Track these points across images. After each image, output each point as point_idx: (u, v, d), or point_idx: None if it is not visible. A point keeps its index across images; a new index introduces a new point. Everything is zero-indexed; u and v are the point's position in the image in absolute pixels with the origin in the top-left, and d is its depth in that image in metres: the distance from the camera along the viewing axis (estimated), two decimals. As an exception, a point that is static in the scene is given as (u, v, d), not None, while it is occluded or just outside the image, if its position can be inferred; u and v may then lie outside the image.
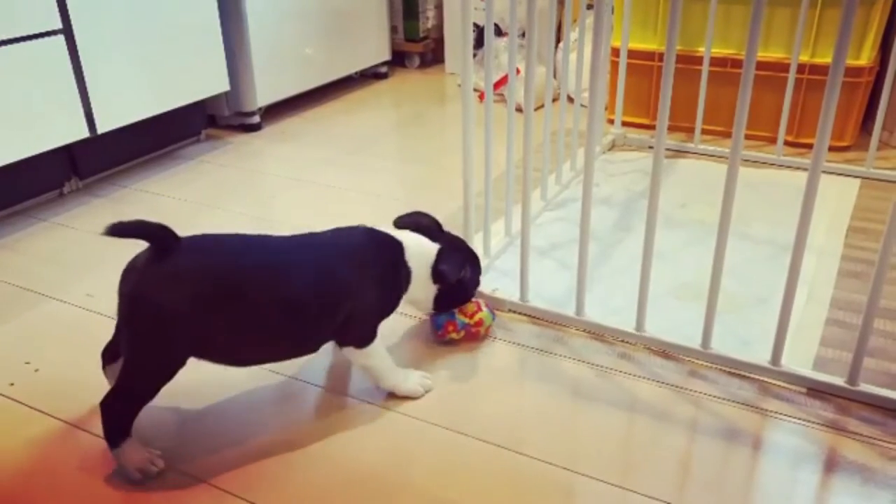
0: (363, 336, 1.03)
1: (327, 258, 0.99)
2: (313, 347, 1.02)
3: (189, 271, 0.89)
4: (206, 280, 0.89)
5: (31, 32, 1.50)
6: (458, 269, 1.10)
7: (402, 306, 1.11)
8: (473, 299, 1.20)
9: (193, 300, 0.88)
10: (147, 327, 0.89)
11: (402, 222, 1.15)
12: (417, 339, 1.21)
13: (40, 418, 1.05)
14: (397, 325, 1.24)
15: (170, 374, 0.92)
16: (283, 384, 1.11)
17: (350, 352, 1.04)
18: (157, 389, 0.93)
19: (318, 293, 0.96)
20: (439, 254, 1.10)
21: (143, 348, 0.90)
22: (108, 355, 1.04)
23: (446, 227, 1.59)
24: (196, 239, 0.93)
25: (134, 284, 0.90)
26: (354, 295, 0.99)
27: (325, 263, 0.98)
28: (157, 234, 0.88)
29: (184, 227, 1.49)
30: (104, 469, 0.95)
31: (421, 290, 1.10)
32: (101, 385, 1.11)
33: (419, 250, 1.09)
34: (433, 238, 1.12)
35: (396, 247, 1.07)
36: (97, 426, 1.02)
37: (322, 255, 1.00)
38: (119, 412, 0.92)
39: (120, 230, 0.85)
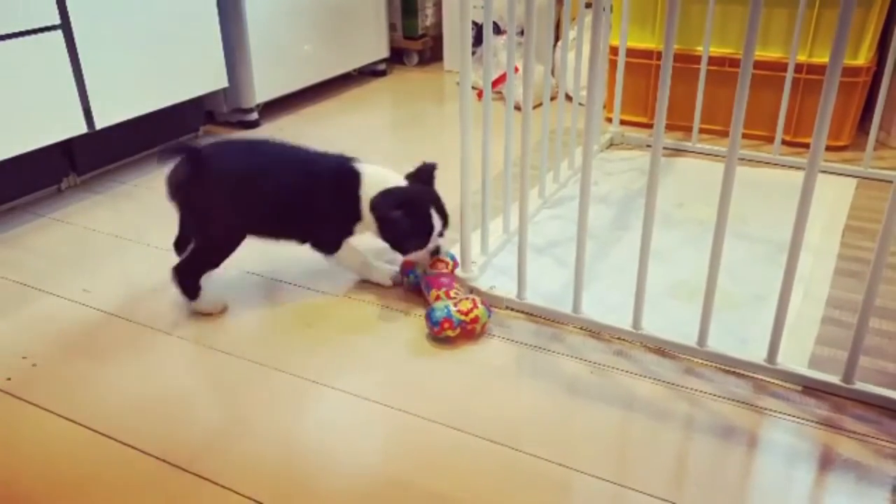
0: (326, 245, 1.32)
1: (302, 174, 1.25)
2: (297, 237, 1.31)
3: (220, 171, 1.21)
4: (231, 174, 1.22)
5: (29, 28, 1.50)
6: (384, 203, 1.23)
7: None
8: (470, 296, 1.20)
9: (228, 187, 1.21)
10: (204, 208, 1.22)
11: (413, 174, 1.32)
12: (414, 336, 1.21)
13: (37, 413, 1.05)
14: (395, 323, 1.25)
15: (231, 248, 1.26)
16: (281, 381, 1.11)
17: (326, 258, 1.33)
18: (221, 261, 1.26)
19: (292, 195, 1.24)
20: (385, 191, 1.24)
21: (207, 225, 1.24)
22: (178, 249, 1.34)
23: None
24: (216, 148, 1.25)
25: (192, 182, 1.21)
26: (310, 207, 1.25)
27: (298, 178, 1.25)
28: (190, 152, 1.20)
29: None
30: (100, 465, 0.96)
31: (369, 220, 1.26)
32: (98, 380, 1.11)
33: (376, 185, 1.25)
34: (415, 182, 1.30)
35: (354, 177, 1.27)
36: (94, 422, 1.03)
37: (300, 170, 1.26)
38: (190, 278, 1.25)
39: (164, 155, 1.18)
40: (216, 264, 1.26)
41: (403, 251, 1.27)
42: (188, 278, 1.25)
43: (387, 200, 1.22)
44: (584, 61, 1.70)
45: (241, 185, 1.21)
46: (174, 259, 1.28)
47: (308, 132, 2.14)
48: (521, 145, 1.23)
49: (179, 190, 1.21)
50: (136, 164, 1.93)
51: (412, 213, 1.23)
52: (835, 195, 1.68)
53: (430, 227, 1.25)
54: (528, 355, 1.16)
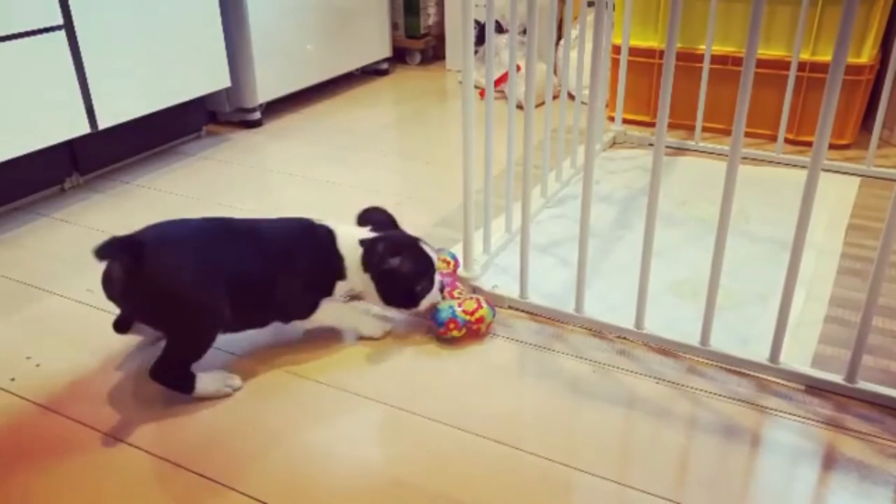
0: (301, 310, 1.15)
1: (267, 244, 1.11)
2: (265, 319, 1.16)
3: (175, 266, 1.03)
4: (188, 267, 1.03)
5: (32, 28, 1.51)
6: (378, 256, 1.12)
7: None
8: (473, 296, 1.20)
9: (193, 281, 1.02)
10: (177, 309, 1.03)
11: (361, 218, 1.24)
12: (419, 336, 1.21)
13: (41, 413, 1.05)
14: (398, 323, 1.25)
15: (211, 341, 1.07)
16: (283, 380, 1.11)
17: (301, 324, 1.17)
18: (204, 351, 1.07)
19: (262, 272, 1.09)
20: (371, 242, 1.14)
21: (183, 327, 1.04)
22: (121, 327, 1.15)
23: (447, 224, 1.59)
24: (159, 237, 1.07)
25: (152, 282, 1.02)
26: (284, 275, 1.11)
27: (264, 249, 1.11)
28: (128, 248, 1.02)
29: (184, 223, 1.44)
30: (106, 465, 0.96)
31: (357, 278, 1.15)
32: (101, 380, 1.12)
33: (351, 240, 1.15)
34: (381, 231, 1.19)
35: (328, 235, 1.15)
36: (98, 421, 1.03)
37: (264, 241, 1.12)
38: (176, 375, 1.06)
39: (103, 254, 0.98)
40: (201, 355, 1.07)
41: (416, 302, 1.16)
42: (179, 377, 1.06)
43: (378, 251, 1.12)
44: (586, 60, 1.70)
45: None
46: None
47: (310, 132, 2.15)
48: (523, 144, 1.23)
49: (116, 287, 1.05)
50: (139, 163, 1.93)
51: (411, 256, 1.14)
52: (838, 193, 1.67)
53: (432, 265, 1.17)
54: (531, 355, 1.16)
